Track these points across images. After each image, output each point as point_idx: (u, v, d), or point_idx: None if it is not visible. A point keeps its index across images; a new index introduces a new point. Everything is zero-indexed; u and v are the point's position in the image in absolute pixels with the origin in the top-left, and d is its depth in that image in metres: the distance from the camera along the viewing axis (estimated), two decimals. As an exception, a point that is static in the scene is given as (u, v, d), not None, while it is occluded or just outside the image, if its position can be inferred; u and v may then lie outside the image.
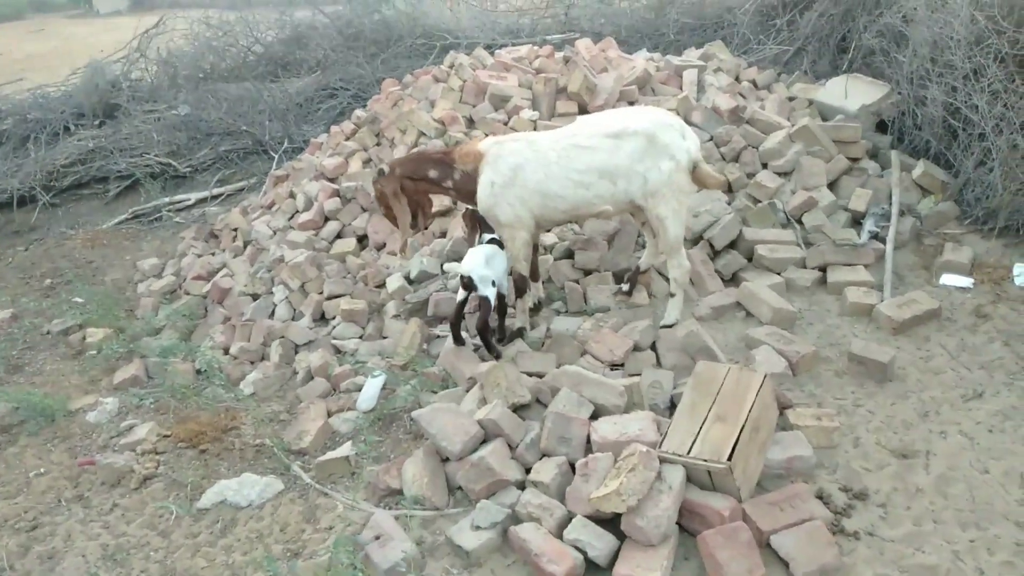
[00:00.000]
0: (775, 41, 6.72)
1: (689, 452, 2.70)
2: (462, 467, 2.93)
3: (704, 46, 6.31)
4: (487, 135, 5.09)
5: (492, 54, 6.08)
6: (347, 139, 5.90)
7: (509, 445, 3.03)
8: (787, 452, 2.89)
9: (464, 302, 3.72)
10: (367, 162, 5.60)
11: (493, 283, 3.64)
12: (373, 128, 5.75)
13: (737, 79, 5.77)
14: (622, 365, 3.57)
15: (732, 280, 4.28)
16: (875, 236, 4.45)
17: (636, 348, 3.63)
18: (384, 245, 4.91)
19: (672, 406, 3.29)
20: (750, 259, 4.35)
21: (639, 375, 3.42)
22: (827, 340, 3.75)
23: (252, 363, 4.41)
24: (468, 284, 3.63)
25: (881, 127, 5.34)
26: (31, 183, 7.57)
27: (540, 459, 2.96)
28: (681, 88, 5.46)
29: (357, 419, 3.63)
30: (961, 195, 4.70)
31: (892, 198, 4.67)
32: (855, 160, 4.93)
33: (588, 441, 2.95)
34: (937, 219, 4.65)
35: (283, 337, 4.41)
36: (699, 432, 2.77)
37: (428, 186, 3.91)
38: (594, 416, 3.07)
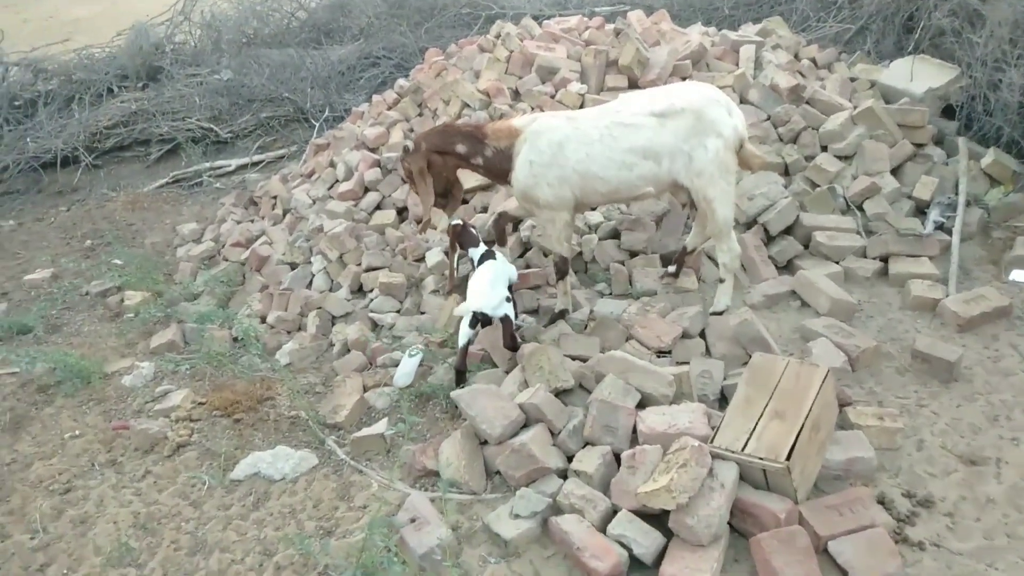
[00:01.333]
0: (836, 19, 6.42)
1: (744, 449, 2.56)
2: (502, 452, 2.82)
3: (762, 22, 6.04)
4: (533, 108, 4.93)
5: (540, 24, 5.88)
6: (389, 109, 5.76)
7: (551, 431, 2.92)
8: (847, 453, 2.73)
9: (471, 342, 3.44)
10: (409, 132, 5.46)
11: (508, 299, 3.46)
12: (416, 98, 5.61)
13: (796, 57, 5.50)
14: (669, 352, 3.41)
15: (787, 267, 4.08)
16: (940, 227, 4.21)
17: (685, 335, 3.47)
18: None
19: (722, 398, 3.15)
20: (806, 246, 4.14)
21: (687, 364, 3.27)
22: (888, 335, 3.55)
23: (289, 332, 4.35)
24: (482, 320, 3.39)
25: (947, 112, 5.06)
26: (74, 144, 7.59)
27: (583, 447, 2.84)
28: (737, 64, 5.21)
29: (393, 394, 3.54)
30: (1034, 187, 4.43)
31: (959, 187, 4.42)
32: (920, 146, 4.66)
33: (634, 431, 2.82)
34: (1007, 211, 4.38)
35: (320, 308, 4.32)
36: (754, 428, 2.62)
37: (456, 161, 3.70)
38: (640, 405, 2.94)
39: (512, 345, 3.40)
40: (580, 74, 5.08)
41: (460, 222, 3.91)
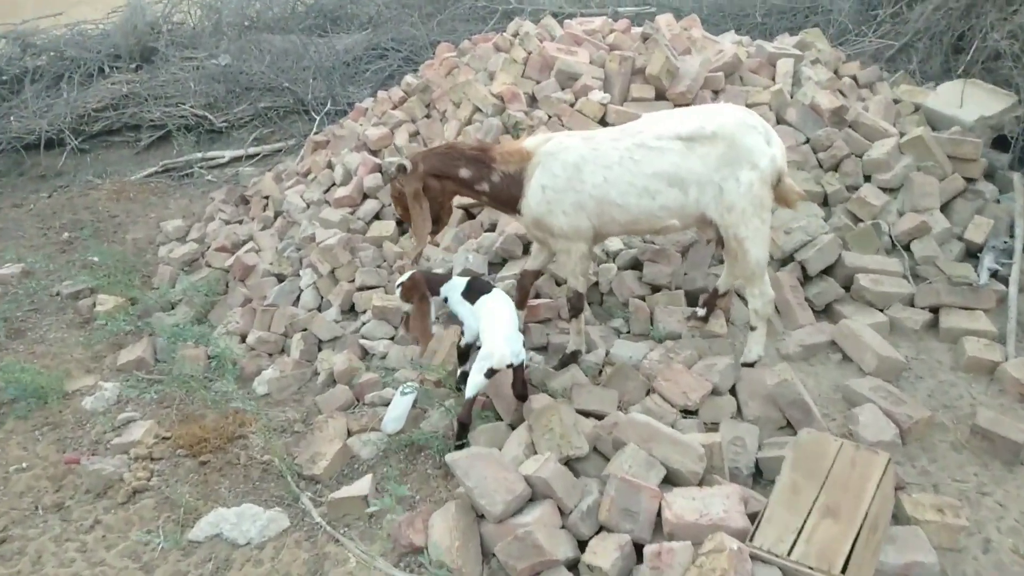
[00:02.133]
0: (876, 34, 6.00)
1: (790, 552, 2.16)
2: (502, 534, 2.41)
3: (798, 33, 5.60)
4: (550, 117, 4.52)
5: (561, 24, 5.45)
6: (394, 108, 5.34)
7: (560, 509, 2.51)
8: (905, 556, 2.32)
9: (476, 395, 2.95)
10: (414, 135, 5.05)
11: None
12: (424, 98, 5.19)
13: (836, 74, 5.08)
14: (696, 412, 3.01)
15: (825, 312, 3.68)
16: (994, 274, 3.80)
17: (714, 391, 3.07)
18: (426, 233, 4.38)
19: (757, 471, 2.75)
20: (847, 288, 3.74)
21: (716, 426, 2.88)
22: (940, 400, 3.15)
23: (270, 355, 3.95)
24: (503, 367, 2.89)
25: (999, 144, 4.64)
26: (60, 125, 7.18)
27: (598, 532, 2.44)
28: (774, 79, 4.79)
29: (380, 442, 3.13)
30: (1100, 233, 4.02)
31: (1015, 230, 4.01)
32: (970, 180, 4.25)
33: (658, 513, 2.42)
34: (1068, 259, 3.97)
35: (306, 330, 3.92)
36: (803, 527, 2.22)
37: (457, 187, 3.24)
38: (666, 479, 2.54)
39: (523, 394, 2.99)
40: (603, 81, 4.65)
41: (411, 274, 3.25)
